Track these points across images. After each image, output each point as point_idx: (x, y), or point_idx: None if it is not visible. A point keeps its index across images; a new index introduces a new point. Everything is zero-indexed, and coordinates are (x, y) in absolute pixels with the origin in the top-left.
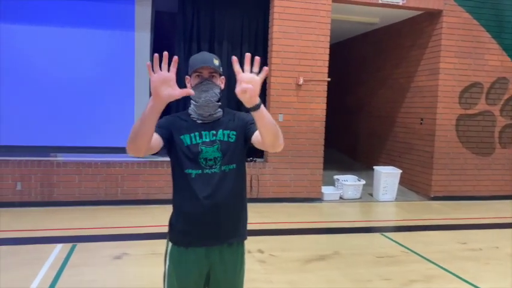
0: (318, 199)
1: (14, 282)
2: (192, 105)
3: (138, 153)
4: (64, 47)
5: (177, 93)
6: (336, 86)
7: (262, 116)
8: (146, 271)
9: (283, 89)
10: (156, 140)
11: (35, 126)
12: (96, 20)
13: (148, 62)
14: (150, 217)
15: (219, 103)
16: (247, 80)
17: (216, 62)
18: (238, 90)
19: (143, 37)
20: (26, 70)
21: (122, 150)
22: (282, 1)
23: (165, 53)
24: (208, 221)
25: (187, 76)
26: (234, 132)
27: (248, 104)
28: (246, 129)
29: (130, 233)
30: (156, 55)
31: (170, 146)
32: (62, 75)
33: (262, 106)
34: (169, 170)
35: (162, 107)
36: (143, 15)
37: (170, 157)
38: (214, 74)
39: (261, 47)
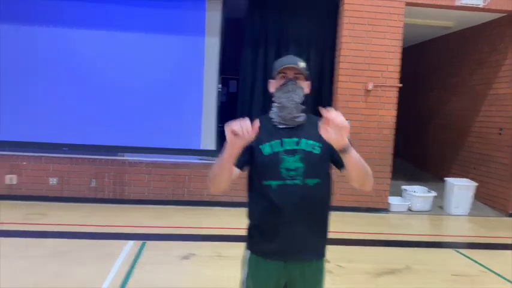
0: (384, 209)
1: (90, 276)
2: (274, 108)
3: (220, 191)
4: (137, 53)
5: (252, 136)
6: (403, 91)
7: (351, 157)
8: (212, 273)
9: (351, 95)
10: (235, 172)
11: (110, 127)
12: (168, 26)
13: (231, 127)
14: (215, 219)
15: (303, 106)
16: (338, 120)
17: (302, 64)
18: (327, 129)
19: (212, 42)
20: (104, 75)
21: (188, 152)
22: (353, 5)
23: (256, 125)
24: (289, 235)
25: (270, 80)
26: (319, 144)
27: (337, 146)
28: (335, 153)
29: (196, 234)
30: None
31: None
32: (135, 80)
33: (351, 149)
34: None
35: (238, 152)
36: (213, 21)
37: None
38: (299, 76)
39: (328, 52)
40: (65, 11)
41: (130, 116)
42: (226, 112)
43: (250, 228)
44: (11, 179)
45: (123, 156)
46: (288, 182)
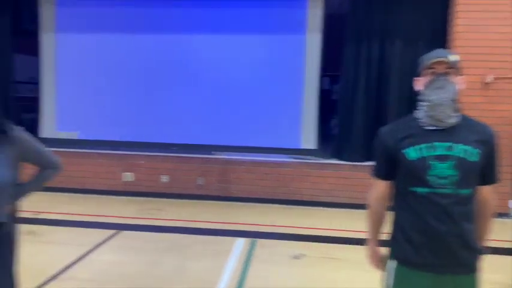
0: (505, 214)
1: (207, 272)
2: (421, 107)
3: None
4: (238, 54)
5: None
6: None
7: None
8: (324, 275)
9: (467, 89)
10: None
11: (214, 127)
12: (268, 26)
13: None
14: (320, 219)
15: (457, 105)
16: None
17: (453, 57)
18: None
19: (313, 40)
20: (208, 77)
21: (289, 151)
22: None
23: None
24: (439, 247)
25: (416, 78)
26: (478, 151)
27: None
28: (489, 165)
29: (304, 234)
30: None
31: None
32: (237, 80)
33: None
34: (337, 173)
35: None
36: (314, 18)
37: None
38: (450, 70)
39: (438, 44)
40: (178, 18)
41: (233, 116)
42: (323, 110)
43: (396, 236)
44: (127, 176)
45: (228, 155)
46: (438, 190)
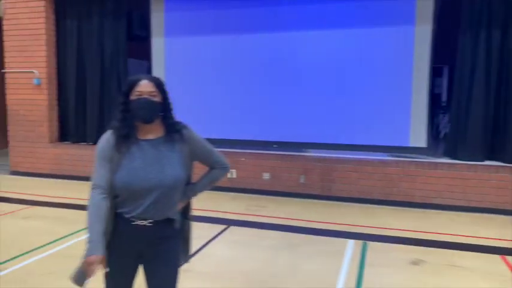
0: None
1: (321, 272)
2: None
3: None
4: (344, 50)
5: None
6: None
7: None
8: (450, 284)
9: None
10: None
11: (316, 125)
12: (374, 19)
13: None
14: (436, 223)
15: None
16: None
17: None
18: None
19: (423, 31)
20: (312, 73)
21: (396, 150)
22: None
23: None
24: None
25: None
26: None
27: None
28: None
29: (419, 238)
30: None
31: None
32: (342, 76)
33: None
34: (452, 173)
35: None
36: (424, 7)
37: None
38: None
39: None
40: (280, 16)
41: (337, 113)
42: (433, 104)
43: None
44: (231, 173)
45: (331, 153)
46: None
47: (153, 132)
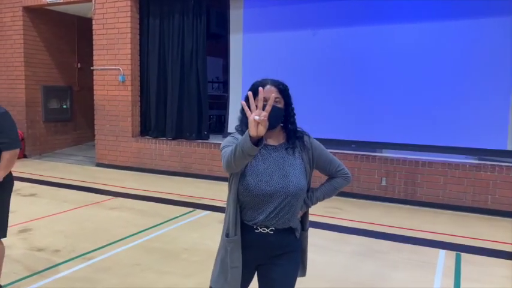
0: None
1: (410, 284)
2: None
3: None
4: (430, 42)
5: None
6: None
7: None
8: None
9: None
10: None
11: (400, 125)
12: (468, 11)
13: None
14: None
15: None
16: None
17: None
18: None
19: None
20: (392, 68)
21: (491, 153)
22: None
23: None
24: None
25: None
26: None
27: None
28: None
29: None
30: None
31: None
32: (427, 71)
33: None
34: None
35: None
36: None
37: None
38: None
39: None
40: (371, 9)
41: (420, 112)
42: None
43: None
44: None
45: (416, 155)
46: None
47: (274, 138)
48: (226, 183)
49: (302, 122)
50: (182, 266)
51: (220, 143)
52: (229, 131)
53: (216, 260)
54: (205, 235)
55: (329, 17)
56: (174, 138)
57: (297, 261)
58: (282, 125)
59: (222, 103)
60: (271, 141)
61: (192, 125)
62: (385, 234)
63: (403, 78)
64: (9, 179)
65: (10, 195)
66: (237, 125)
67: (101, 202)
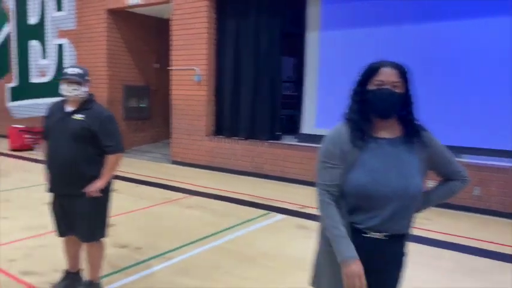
0: None
1: None
2: None
3: None
4: None
5: None
6: None
7: None
8: None
9: None
10: None
11: (492, 127)
12: None
13: None
14: None
15: None
16: None
17: None
18: None
19: None
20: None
21: None
22: None
23: None
24: None
25: None
26: None
27: None
28: None
29: None
30: None
31: None
32: None
33: None
34: None
35: None
36: None
37: None
38: None
39: None
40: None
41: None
42: None
43: None
44: None
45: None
46: None
47: (389, 130)
48: (300, 186)
49: None
50: (262, 272)
51: (292, 144)
52: (303, 131)
53: (316, 265)
54: (283, 241)
55: (414, 11)
56: (246, 138)
57: (401, 272)
58: (399, 114)
59: (293, 103)
60: (385, 133)
61: (264, 125)
62: (483, 251)
63: (496, 77)
64: (109, 186)
65: (111, 196)
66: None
67: (177, 200)
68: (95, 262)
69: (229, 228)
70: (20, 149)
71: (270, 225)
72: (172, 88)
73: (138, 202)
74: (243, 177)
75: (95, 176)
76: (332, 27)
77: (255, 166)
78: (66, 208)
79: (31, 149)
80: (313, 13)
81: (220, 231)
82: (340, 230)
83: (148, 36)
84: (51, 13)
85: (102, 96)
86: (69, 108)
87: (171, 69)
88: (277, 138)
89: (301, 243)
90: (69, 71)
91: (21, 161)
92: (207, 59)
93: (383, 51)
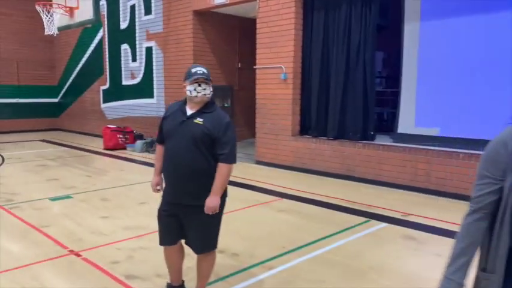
0: None
1: None
2: None
3: None
4: None
5: None
6: None
7: None
8: None
9: None
10: None
11: None
12: None
13: None
14: None
15: None
16: None
17: None
18: None
19: None
20: None
21: None
22: None
23: None
24: None
25: None
26: None
27: None
28: None
29: None
30: None
31: None
32: None
33: None
34: None
35: None
36: None
37: None
38: None
39: None
40: None
41: None
42: None
43: None
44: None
45: None
46: None
47: None
48: (397, 190)
49: (486, 121)
50: None
51: (389, 145)
52: (399, 131)
53: None
54: (390, 253)
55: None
56: (335, 138)
57: None
58: None
59: (384, 100)
60: None
61: (356, 124)
62: None
63: None
64: (225, 192)
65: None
66: None
67: (268, 202)
68: (206, 273)
69: (329, 236)
70: (113, 148)
71: (372, 235)
72: (257, 87)
73: (229, 204)
74: (331, 180)
75: (211, 186)
76: (434, 17)
77: (346, 168)
78: (180, 218)
79: (124, 148)
80: (412, 2)
81: (320, 240)
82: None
83: (231, 36)
84: (140, 17)
85: None
86: (190, 110)
87: (257, 68)
88: (371, 138)
89: (412, 257)
90: (199, 70)
91: (115, 160)
92: (294, 56)
93: (492, 42)
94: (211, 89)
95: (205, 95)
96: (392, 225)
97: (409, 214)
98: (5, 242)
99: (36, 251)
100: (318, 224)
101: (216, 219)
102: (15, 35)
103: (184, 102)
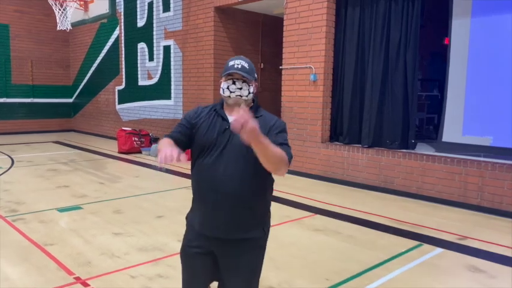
0: None
1: None
2: None
3: None
4: None
5: None
6: None
7: None
8: None
9: None
10: None
11: None
12: None
13: None
14: None
15: None
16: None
17: None
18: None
19: None
20: None
21: None
22: None
23: None
24: None
25: None
26: None
27: None
28: None
29: None
30: None
31: None
32: None
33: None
34: None
35: None
36: None
37: None
38: None
39: None
40: None
41: None
42: None
43: None
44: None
45: None
46: None
47: None
48: (444, 206)
49: None
50: None
51: (434, 155)
52: (444, 139)
53: None
54: None
55: None
56: (370, 146)
57: None
58: None
59: (420, 104)
60: None
61: (395, 131)
62: None
63: None
64: (267, 230)
65: None
66: None
67: (300, 219)
68: None
69: (378, 265)
70: (128, 151)
71: (429, 264)
72: (283, 89)
73: None
74: (366, 192)
75: (262, 214)
76: (487, 12)
77: (383, 180)
78: (218, 257)
79: (139, 152)
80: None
81: (369, 270)
82: None
83: (253, 35)
84: (158, 14)
85: (207, 99)
86: (230, 116)
87: (283, 69)
88: (412, 147)
89: None
90: (237, 63)
91: (129, 165)
92: (325, 56)
93: None
94: (253, 89)
95: (240, 96)
96: (450, 251)
97: (465, 237)
98: (3, 264)
99: (38, 278)
100: (363, 249)
101: (262, 257)
102: (29, 33)
103: (222, 105)
